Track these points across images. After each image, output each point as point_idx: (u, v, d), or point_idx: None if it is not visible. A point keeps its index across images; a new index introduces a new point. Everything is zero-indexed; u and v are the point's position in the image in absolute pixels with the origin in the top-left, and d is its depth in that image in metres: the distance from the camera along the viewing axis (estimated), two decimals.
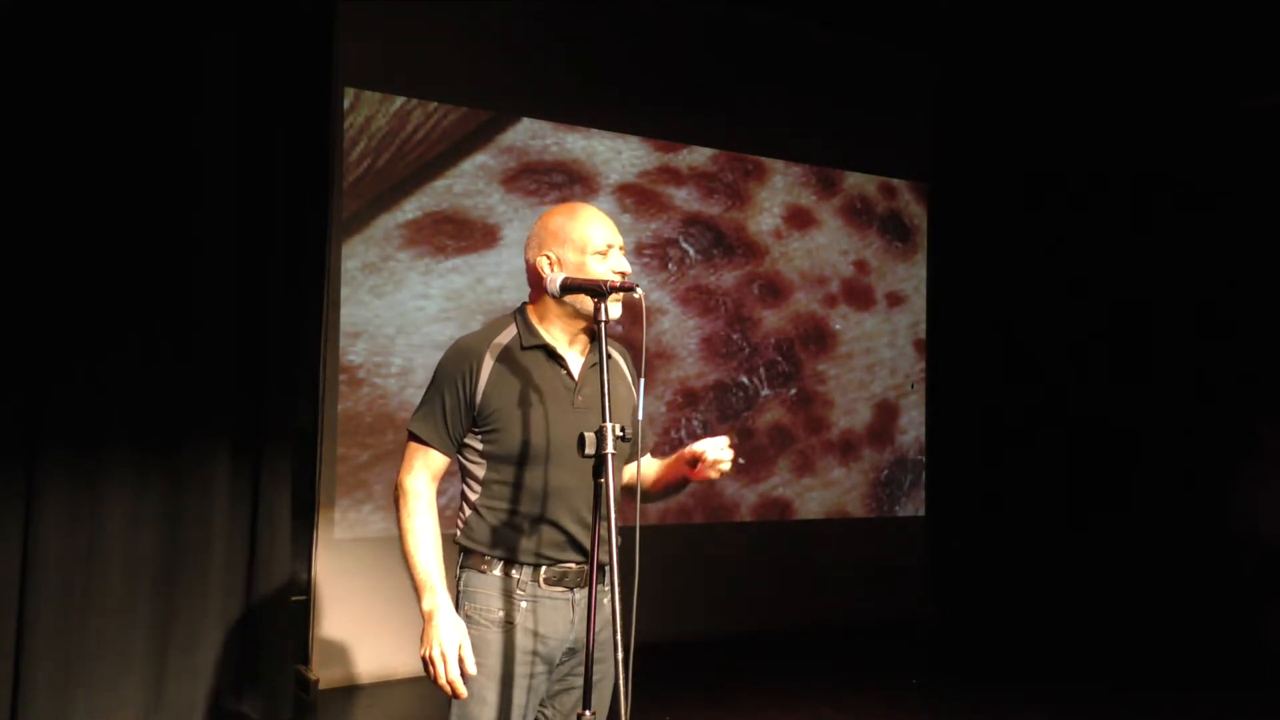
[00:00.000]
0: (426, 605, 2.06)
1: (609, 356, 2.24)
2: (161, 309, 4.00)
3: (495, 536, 2.11)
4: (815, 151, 6.19)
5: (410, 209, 4.93)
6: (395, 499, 2.15)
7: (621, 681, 1.83)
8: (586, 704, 1.97)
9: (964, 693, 4.95)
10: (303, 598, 4.65)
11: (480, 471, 2.14)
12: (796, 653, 5.52)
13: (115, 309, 3.90)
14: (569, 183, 5.37)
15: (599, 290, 2.00)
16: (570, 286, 2.08)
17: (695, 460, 2.12)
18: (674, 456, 2.25)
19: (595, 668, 2.13)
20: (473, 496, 2.15)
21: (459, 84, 5.05)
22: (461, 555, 2.18)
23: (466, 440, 2.15)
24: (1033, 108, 6.66)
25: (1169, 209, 6.55)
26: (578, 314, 2.14)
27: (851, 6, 5.91)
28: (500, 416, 2.10)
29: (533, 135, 5.28)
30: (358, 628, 4.70)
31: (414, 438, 2.15)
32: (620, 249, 2.17)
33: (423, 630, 2.05)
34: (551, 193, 5.26)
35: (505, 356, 2.13)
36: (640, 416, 2.08)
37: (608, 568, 1.91)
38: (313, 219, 4.67)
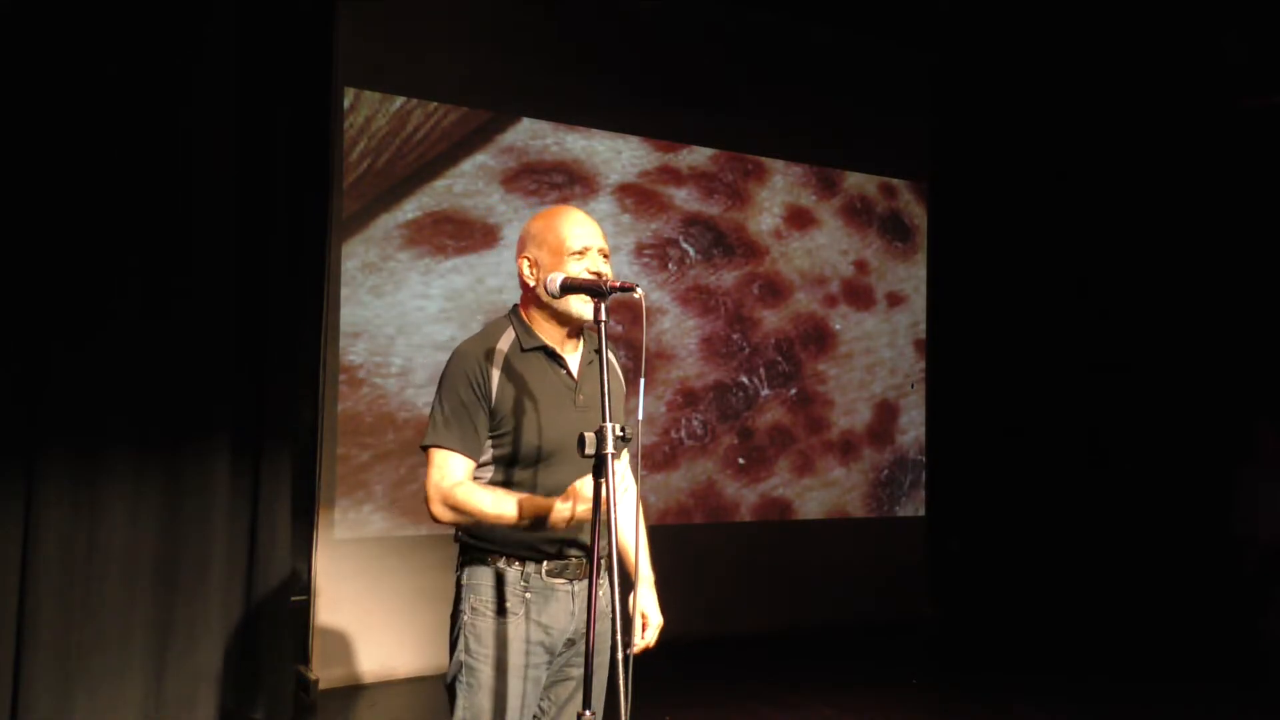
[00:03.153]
0: (555, 513, 1.99)
1: (599, 351, 2.26)
2: (161, 309, 4.00)
3: (499, 534, 2.11)
4: (815, 151, 6.19)
5: (410, 209, 4.93)
6: (443, 506, 2.06)
7: (621, 681, 1.83)
8: (586, 703, 1.97)
9: (964, 693, 4.95)
10: (303, 598, 4.65)
11: (485, 474, 2.15)
12: (796, 653, 5.52)
13: (115, 309, 3.90)
14: (569, 183, 5.37)
15: (599, 290, 2.00)
16: (570, 286, 2.08)
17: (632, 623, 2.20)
18: (641, 580, 2.28)
19: (592, 660, 2.16)
20: None
21: (459, 84, 5.05)
22: (462, 550, 2.19)
23: None
24: (1032, 107, 6.66)
25: (1168, 209, 6.55)
26: (567, 316, 2.15)
27: (851, 6, 5.92)
28: (509, 420, 2.11)
29: (533, 135, 5.28)
30: (358, 628, 4.70)
31: (439, 448, 2.09)
32: (600, 251, 2.14)
33: (567, 512, 1.98)
34: (551, 193, 5.26)
35: (509, 360, 2.14)
36: (640, 416, 2.08)
37: (607, 564, 1.92)
38: (312, 219, 4.67)
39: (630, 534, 2.24)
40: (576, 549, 2.15)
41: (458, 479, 2.08)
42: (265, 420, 4.21)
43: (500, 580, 2.11)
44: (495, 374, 2.11)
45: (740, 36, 5.91)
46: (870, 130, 6.36)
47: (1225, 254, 6.38)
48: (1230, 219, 6.36)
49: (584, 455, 1.92)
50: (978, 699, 4.79)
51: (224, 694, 4.08)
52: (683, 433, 5.70)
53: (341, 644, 4.68)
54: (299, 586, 4.61)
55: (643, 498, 2.41)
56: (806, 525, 6.11)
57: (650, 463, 5.52)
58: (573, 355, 2.22)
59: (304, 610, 4.64)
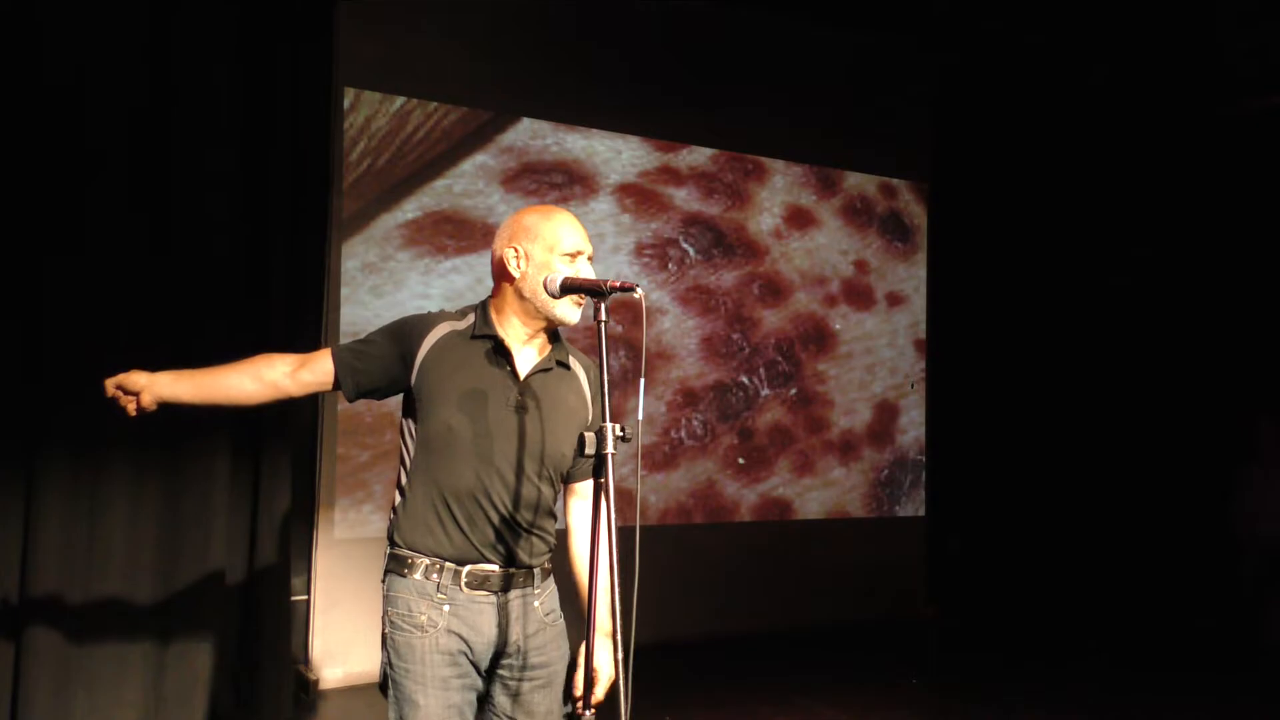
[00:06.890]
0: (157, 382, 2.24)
1: (566, 364, 2.22)
2: (161, 308, 3.99)
3: (417, 532, 2.09)
4: (815, 151, 6.19)
5: (410, 209, 4.93)
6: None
7: (621, 681, 1.82)
8: (587, 704, 1.97)
9: (964, 693, 4.95)
10: (303, 598, 4.65)
11: (409, 454, 2.13)
12: (796, 653, 5.52)
13: (115, 308, 3.89)
14: (569, 183, 5.37)
15: (599, 291, 1.97)
16: (571, 286, 2.05)
17: (588, 677, 1.98)
18: (599, 631, 2.02)
19: (540, 672, 2.15)
20: (402, 481, 2.15)
21: (459, 84, 5.05)
22: (387, 559, 2.15)
23: (407, 422, 2.16)
24: (1033, 108, 6.66)
25: (1169, 209, 6.55)
26: (538, 313, 2.13)
27: (852, 6, 5.92)
28: (430, 394, 2.09)
29: (533, 135, 5.28)
30: (358, 628, 4.70)
31: (329, 349, 2.16)
32: (589, 259, 2.15)
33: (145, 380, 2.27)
34: (551, 193, 5.26)
35: (451, 339, 2.13)
36: (640, 416, 2.07)
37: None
38: (313, 219, 4.67)
39: (587, 571, 2.05)
40: (499, 560, 2.09)
41: (283, 360, 2.18)
42: (265, 420, 4.20)
43: (418, 591, 2.07)
44: (428, 345, 2.11)
45: (740, 36, 5.90)
46: (870, 130, 6.36)
47: (1225, 254, 6.38)
48: (1230, 219, 6.36)
49: (583, 455, 1.92)
50: (977, 699, 4.78)
51: (224, 694, 4.08)
52: (683, 433, 5.70)
53: (341, 644, 4.68)
54: (299, 586, 4.61)
55: (643, 498, 2.40)
56: (806, 525, 6.11)
57: (650, 463, 5.52)
58: (532, 354, 2.17)
59: (304, 610, 4.64)
